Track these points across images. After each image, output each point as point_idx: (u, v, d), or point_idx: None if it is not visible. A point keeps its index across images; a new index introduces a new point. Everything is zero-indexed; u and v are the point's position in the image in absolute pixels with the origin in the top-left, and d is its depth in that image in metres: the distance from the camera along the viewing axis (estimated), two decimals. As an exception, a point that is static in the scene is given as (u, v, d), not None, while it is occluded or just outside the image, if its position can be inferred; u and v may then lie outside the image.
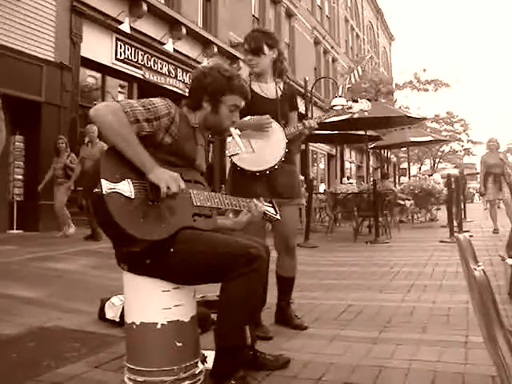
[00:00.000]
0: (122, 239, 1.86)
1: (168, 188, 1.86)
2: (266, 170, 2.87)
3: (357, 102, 3.22)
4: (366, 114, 3.26)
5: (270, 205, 2.44)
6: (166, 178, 1.88)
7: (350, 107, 3.18)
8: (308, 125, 3.00)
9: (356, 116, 3.30)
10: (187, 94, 2.26)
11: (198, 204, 2.06)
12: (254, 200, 2.32)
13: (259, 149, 2.88)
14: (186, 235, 1.94)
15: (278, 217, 2.44)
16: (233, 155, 2.86)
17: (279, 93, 3.05)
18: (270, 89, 3.02)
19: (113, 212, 1.76)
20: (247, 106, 2.87)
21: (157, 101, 2.03)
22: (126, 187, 1.84)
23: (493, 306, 1.30)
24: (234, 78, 2.19)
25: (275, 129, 2.93)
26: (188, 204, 2.03)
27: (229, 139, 2.88)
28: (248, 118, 2.87)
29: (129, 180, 1.86)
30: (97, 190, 1.78)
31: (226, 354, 1.98)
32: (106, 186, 1.78)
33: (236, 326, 1.97)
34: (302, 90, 16.26)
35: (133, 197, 1.84)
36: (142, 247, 1.85)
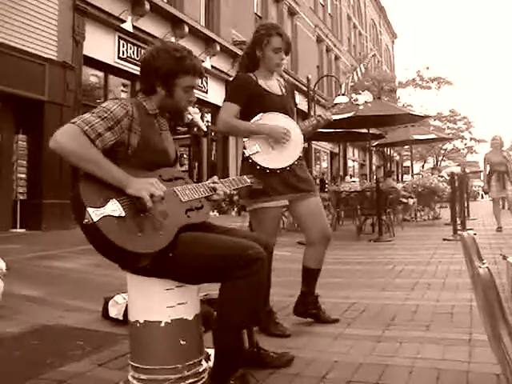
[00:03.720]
0: (128, 259, 1.83)
1: (151, 196, 1.82)
2: (287, 166, 2.89)
3: (360, 94, 3.28)
4: (369, 105, 3.31)
5: (251, 176, 2.45)
6: (145, 187, 1.83)
7: (356, 99, 3.23)
8: (325, 117, 3.08)
9: (361, 108, 3.34)
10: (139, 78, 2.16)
11: (186, 199, 2.02)
12: (210, 184, 2.21)
13: (279, 146, 2.88)
14: (186, 238, 1.92)
15: (260, 186, 2.50)
16: (252, 154, 2.85)
17: (283, 89, 3.06)
18: (274, 85, 3.02)
19: (111, 236, 1.71)
20: (256, 102, 2.88)
21: (110, 105, 1.94)
22: (114, 207, 1.79)
23: (497, 304, 1.29)
24: (186, 58, 2.05)
25: (291, 125, 2.94)
26: (177, 202, 2.00)
27: (245, 139, 2.89)
28: (259, 115, 2.87)
29: (113, 199, 1.81)
30: (86, 220, 1.72)
31: (224, 355, 1.96)
32: (93, 213, 1.72)
33: (233, 328, 1.94)
34: (305, 88, 16.26)
35: (123, 214, 1.79)
36: (149, 260, 1.84)
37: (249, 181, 2.39)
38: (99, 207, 1.75)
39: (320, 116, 3.12)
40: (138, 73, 2.17)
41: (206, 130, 2.58)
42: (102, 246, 1.78)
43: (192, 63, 2.07)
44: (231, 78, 3.12)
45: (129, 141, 1.96)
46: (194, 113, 2.24)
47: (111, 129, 1.88)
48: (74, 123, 1.82)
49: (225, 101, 2.93)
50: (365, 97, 3.27)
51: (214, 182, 2.20)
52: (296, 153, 2.94)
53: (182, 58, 2.05)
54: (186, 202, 2.02)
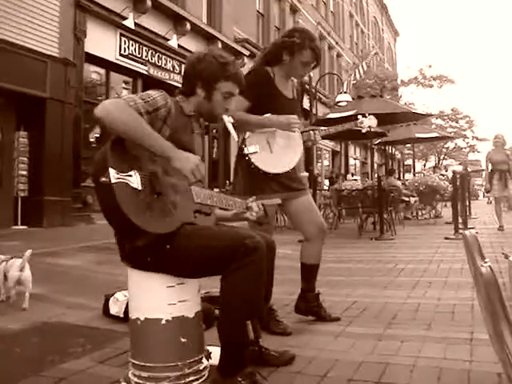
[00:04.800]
0: (127, 231, 1.84)
1: (193, 174, 1.88)
2: (283, 172, 2.90)
3: (366, 117, 3.24)
4: (371, 129, 3.31)
5: (262, 206, 2.45)
6: (192, 167, 1.88)
7: (362, 122, 3.22)
8: (313, 138, 3.09)
9: (363, 131, 3.33)
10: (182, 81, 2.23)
11: (199, 201, 2.05)
12: (249, 202, 2.34)
13: (277, 150, 2.88)
14: (185, 231, 1.93)
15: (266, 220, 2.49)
16: (251, 153, 2.83)
17: (294, 91, 3.07)
18: (288, 87, 3.02)
19: (120, 202, 1.73)
20: (267, 102, 2.86)
21: (153, 93, 2.00)
22: (134, 178, 1.82)
23: (499, 303, 1.29)
24: (230, 65, 2.13)
25: (295, 133, 2.95)
26: (190, 200, 2.02)
27: (246, 135, 2.88)
28: (268, 115, 2.85)
29: (135, 171, 1.83)
30: (104, 179, 1.75)
31: (230, 349, 1.97)
32: (113, 175, 1.75)
33: (237, 321, 1.95)
34: (307, 86, 16.22)
35: (140, 188, 1.82)
36: (146, 241, 1.84)
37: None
38: (120, 172, 1.78)
39: (309, 137, 3.10)
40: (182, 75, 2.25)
41: (237, 139, 2.59)
42: (108, 207, 1.80)
43: (235, 71, 2.15)
44: (249, 71, 3.08)
45: (160, 131, 1.97)
46: (228, 121, 2.28)
47: (149, 113, 1.93)
48: (119, 97, 1.89)
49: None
50: (370, 121, 3.24)
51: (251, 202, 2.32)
52: (293, 161, 2.95)
53: (226, 63, 2.12)
54: (197, 203, 2.04)
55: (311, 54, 2.89)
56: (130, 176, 1.81)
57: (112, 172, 1.75)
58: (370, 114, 3.27)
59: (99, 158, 1.83)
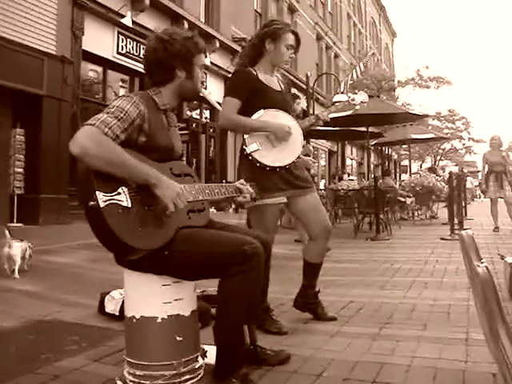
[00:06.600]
0: (122, 251, 1.82)
1: (173, 204, 1.81)
2: (287, 165, 2.88)
3: (356, 94, 3.31)
4: (365, 105, 3.36)
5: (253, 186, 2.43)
6: (173, 196, 1.81)
7: (353, 99, 3.26)
8: (322, 117, 3.10)
9: (358, 108, 3.37)
10: (147, 71, 2.11)
11: (191, 199, 1.98)
12: (237, 184, 2.32)
13: (278, 144, 2.86)
14: (183, 235, 1.91)
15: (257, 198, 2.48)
16: (253, 152, 2.82)
17: (281, 85, 3.05)
18: (273, 81, 3.01)
19: (112, 225, 1.68)
20: (258, 97, 2.86)
21: (124, 104, 1.87)
22: (122, 196, 1.75)
23: (496, 303, 1.29)
24: (197, 37, 2.12)
25: (292, 123, 2.94)
26: None
27: (245, 135, 2.87)
28: (262, 111, 2.84)
29: (123, 188, 1.77)
30: (92, 203, 1.68)
31: (226, 351, 1.96)
32: (101, 198, 1.68)
33: (234, 324, 1.95)
34: (304, 86, 16.24)
35: (129, 206, 1.76)
36: (141, 255, 1.82)
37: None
38: (108, 192, 1.72)
39: (317, 115, 3.13)
40: (144, 66, 2.12)
41: (220, 109, 2.59)
42: (100, 231, 1.75)
43: (201, 41, 2.14)
44: (231, 73, 3.11)
45: (136, 140, 1.91)
46: (207, 94, 2.29)
47: (126, 130, 1.84)
48: (93, 125, 1.75)
49: (226, 96, 2.87)
50: (361, 96, 3.30)
51: (241, 184, 2.29)
52: (297, 151, 2.93)
53: (193, 37, 2.11)
54: (190, 202, 1.98)
55: (293, 37, 2.96)
56: (119, 194, 1.74)
57: (99, 195, 1.68)
58: (359, 91, 3.34)
59: (83, 180, 1.75)
